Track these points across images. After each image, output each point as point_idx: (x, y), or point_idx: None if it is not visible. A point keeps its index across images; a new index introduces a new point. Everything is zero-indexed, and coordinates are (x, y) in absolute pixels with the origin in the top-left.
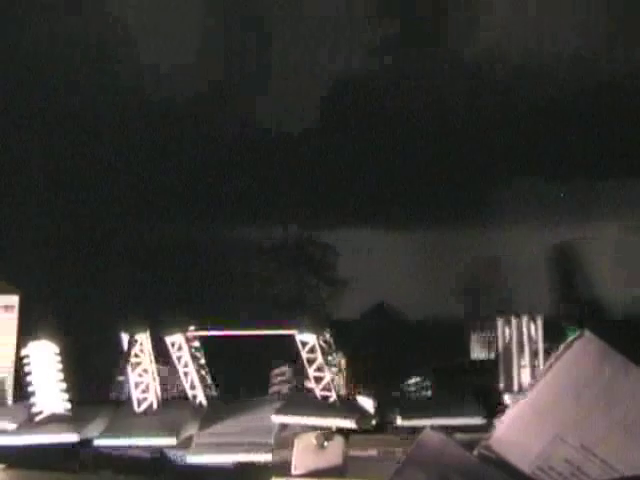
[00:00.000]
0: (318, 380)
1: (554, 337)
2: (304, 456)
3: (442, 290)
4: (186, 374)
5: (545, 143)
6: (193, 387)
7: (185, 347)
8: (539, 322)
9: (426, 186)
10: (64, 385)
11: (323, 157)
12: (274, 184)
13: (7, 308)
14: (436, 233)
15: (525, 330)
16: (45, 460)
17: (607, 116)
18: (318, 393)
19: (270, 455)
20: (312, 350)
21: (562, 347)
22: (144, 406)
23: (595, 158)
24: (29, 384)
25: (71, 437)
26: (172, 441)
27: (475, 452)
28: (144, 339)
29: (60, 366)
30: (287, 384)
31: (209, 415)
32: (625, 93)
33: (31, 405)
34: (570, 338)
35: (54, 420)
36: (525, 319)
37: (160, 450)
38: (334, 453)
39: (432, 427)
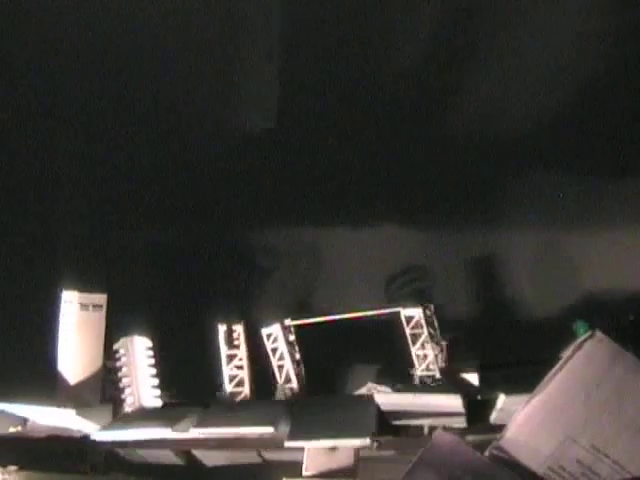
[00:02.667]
0: (421, 358)
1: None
2: (315, 457)
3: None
4: (280, 367)
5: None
6: (288, 380)
7: (282, 338)
8: None
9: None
10: (156, 380)
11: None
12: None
13: (96, 307)
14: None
15: None
16: (57, 462)
17: (608, 115)
18: (419, 372)
19: (368, 440)
20: (417, 325)
21: (573, 347)
22: (238, 400)
23: (596, 157)
24: (121, 379)
25: (165, 432)
26: (269, 429)
27: (486, 453)
28: (240, 331)
29: (152, 361)
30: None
31: (304, 406)
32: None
33: (123, 400)
34: (581, 338)
35: (147, 414)
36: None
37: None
38: (345, 454)
39: (444, 428)
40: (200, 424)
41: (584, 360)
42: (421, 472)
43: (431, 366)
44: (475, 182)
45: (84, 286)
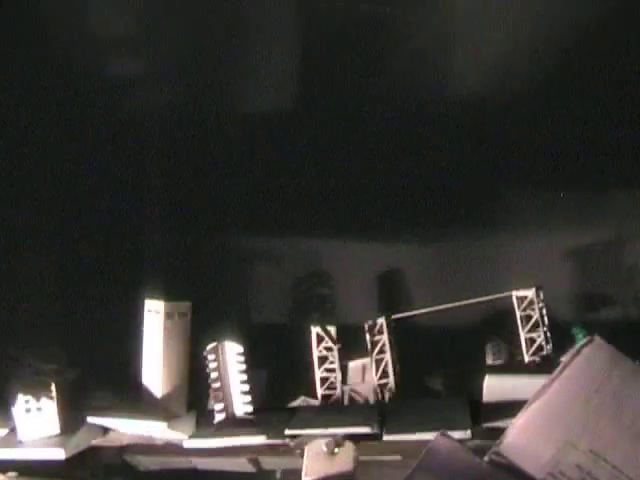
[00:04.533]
0: (530, 342)
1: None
2: (314, 462)
3: None
4: (378, 361)
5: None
6: (385, 375)
7: (385, 330)
8: None
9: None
10: (247, 386)
11: None
12: None
13: (181, 315)
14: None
15: None
16: (56, 468)
17: (609, 118)
18: (527, 358)
19: (469, 431)
20: (529, 307)
21: (572, 353)
22: (330, 402)
23: (598, 159)
24: (210, 386)
25: (258, 439)
26: (367, 429)
27: (485, 458)
28: (332, 332)
29: (243, 367)
30: None
31: (396, 405)
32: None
33: (212, 409)
34: (580, 343)
35: (238, 423)
36: None
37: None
38: (345, 459)
39: (442, 433)
40: (294, 426)
41: (583, 365)
42: (420, 477)
43: (540, 350)
44: (474, 187)
45: (168, 294)
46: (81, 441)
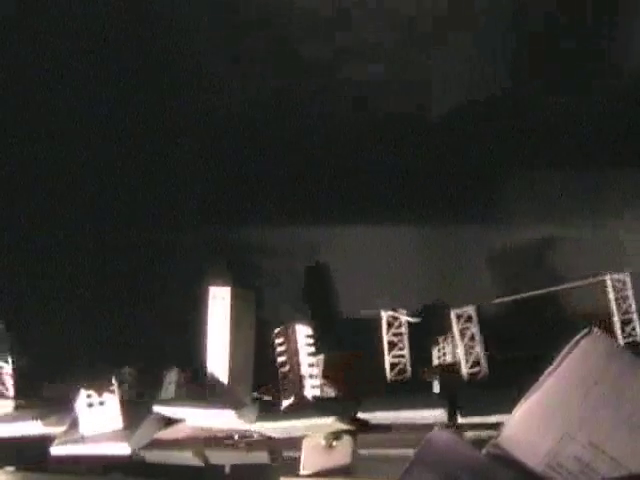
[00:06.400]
0: (626, 323)
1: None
2: (312, 456)
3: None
4: (470, 348)
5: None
6: (476, 364)
7: (475, 319)
8: None
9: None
10: (316, 369)
11: None
12: None
13: (246, 301)
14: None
15: None
16: (53, 462)
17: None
18: (621, 340)
19: None
20: (623, 291)
21: (570, 344)
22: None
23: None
24: (278, 369)
25: (327, 420)
26: (440, 412)
27: (484, 451)
28: (404, 316)
29: (313, 349)
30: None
31: (466, 389)
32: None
33: (278, 390)
34: (578, 335)
35: (305, 407)
36: None
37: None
38: (342, 453)
39: (441, 426)
40: (365, 409)
41: (581, 357)
42: (419, 470)
43: (633, 332)
44: (479, 180)
45: (233, 281)
46: (144, 435)
